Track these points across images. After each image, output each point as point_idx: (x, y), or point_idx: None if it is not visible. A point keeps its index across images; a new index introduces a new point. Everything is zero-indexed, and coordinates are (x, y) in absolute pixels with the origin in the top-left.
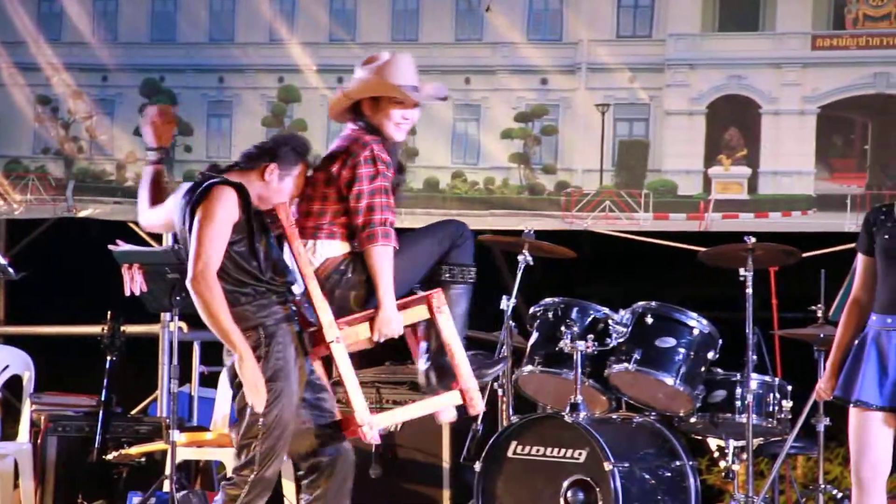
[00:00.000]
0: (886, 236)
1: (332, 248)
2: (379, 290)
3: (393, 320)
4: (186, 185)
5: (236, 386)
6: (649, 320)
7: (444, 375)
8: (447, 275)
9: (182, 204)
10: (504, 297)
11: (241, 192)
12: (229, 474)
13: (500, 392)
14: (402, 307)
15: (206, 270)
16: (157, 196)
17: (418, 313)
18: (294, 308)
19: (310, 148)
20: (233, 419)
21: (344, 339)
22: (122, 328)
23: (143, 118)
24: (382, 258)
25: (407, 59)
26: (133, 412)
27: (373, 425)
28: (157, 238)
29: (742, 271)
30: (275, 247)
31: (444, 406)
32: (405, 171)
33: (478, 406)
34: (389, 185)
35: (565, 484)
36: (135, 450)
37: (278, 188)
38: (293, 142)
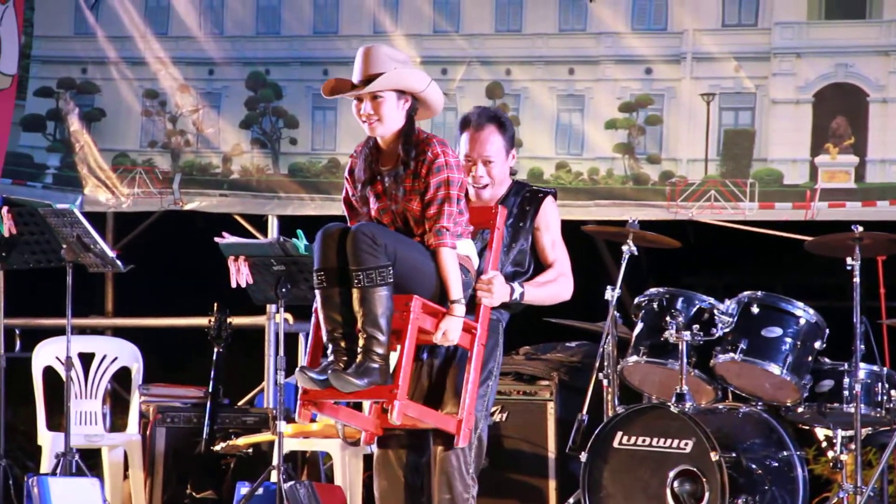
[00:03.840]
0: None
1: None
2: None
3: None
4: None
5: None
6: (755, 310)
7: None
8: None
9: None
10: (608, 287)
11: None
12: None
13: (605, 382)
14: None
15: None
16: None
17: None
18: None
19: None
20: None
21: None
22: (229, 320)
23: None
24: None
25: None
26: (240, 403)
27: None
28: (263, 230)
29: (849, 260)
30: None
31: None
32: (398, 168)
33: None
34: (346, 192)
35: (671, 474)
36: (242, 441)
37: None
38: None
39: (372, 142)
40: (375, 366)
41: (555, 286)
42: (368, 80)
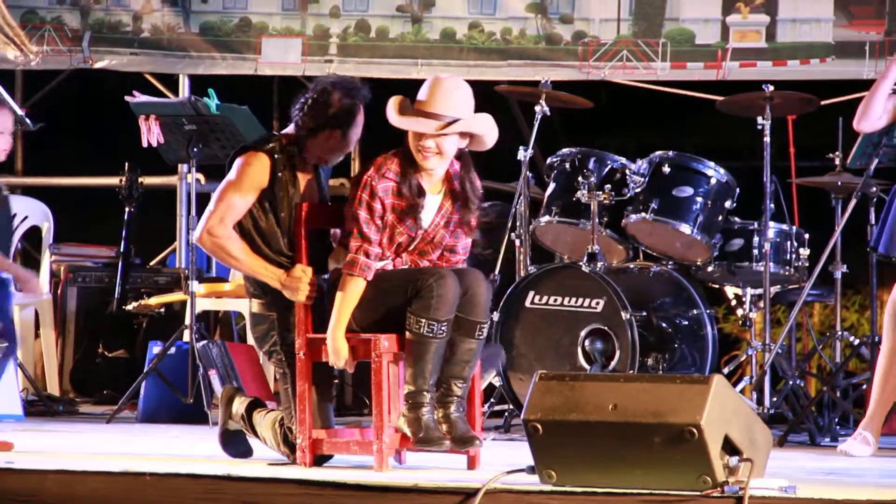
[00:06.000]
0: None
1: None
2: (331, 316)
3: (334, 351)
4: None
5: None
6: (666, 170)
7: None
8: (407, 323)
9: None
10: (521, 147)
11: None
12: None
13: (517, 243)
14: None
15: None
16: None
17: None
18: None
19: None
20: None
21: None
22: (140, 179)
23: None
24: (346, 286)
25: (434, 81)
26: (152, 263)
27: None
28: (174, 89)
29: (760, 120)
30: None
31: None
32: (469, 197)
33: None
34: (371, 214)
35: (583, 333)
36: (154, 300)
37: None
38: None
39: (410, 170)
40: None
41: None
42: (444, 117)
